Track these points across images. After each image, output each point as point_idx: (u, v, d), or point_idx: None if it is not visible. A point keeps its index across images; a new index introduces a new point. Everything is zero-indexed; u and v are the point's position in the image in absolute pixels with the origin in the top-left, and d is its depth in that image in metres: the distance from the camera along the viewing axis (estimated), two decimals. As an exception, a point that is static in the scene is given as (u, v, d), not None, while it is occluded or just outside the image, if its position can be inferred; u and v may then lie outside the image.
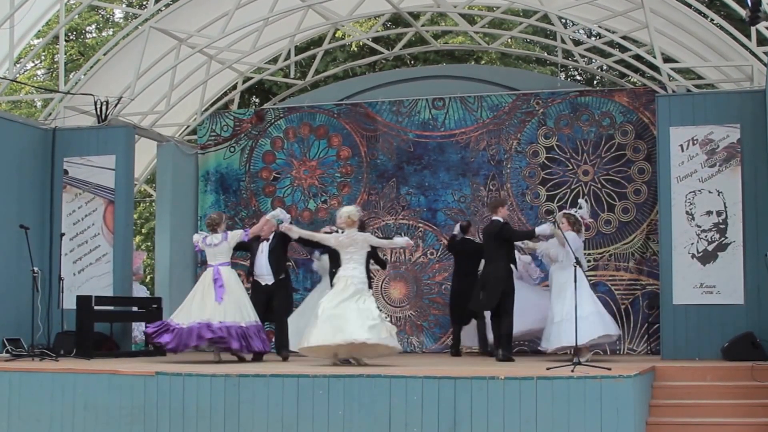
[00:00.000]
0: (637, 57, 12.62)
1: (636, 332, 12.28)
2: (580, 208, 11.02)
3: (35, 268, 10.93)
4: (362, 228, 10.34)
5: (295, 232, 10.35)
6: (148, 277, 17.85)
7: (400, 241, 10.23)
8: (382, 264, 11.66)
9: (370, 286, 9.85)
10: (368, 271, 10.13)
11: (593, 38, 16.15)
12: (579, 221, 10.81)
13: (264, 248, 10.97)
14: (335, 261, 10.22)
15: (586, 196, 12.44)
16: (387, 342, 9.26)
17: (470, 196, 13.23)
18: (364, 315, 9.25)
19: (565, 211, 11.16)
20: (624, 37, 12.31)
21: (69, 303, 11.38)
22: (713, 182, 10.64)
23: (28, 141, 12.14)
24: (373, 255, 10.68)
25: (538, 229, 10.80)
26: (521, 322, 10.90)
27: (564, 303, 10.25)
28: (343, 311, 9.29)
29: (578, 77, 22.24)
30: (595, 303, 10.56)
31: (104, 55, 13.18)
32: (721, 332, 10.24)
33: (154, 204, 15.99)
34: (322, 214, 13.52)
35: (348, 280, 9.50)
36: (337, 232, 10.21)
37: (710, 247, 10.58)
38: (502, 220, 10.71)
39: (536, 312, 11.05)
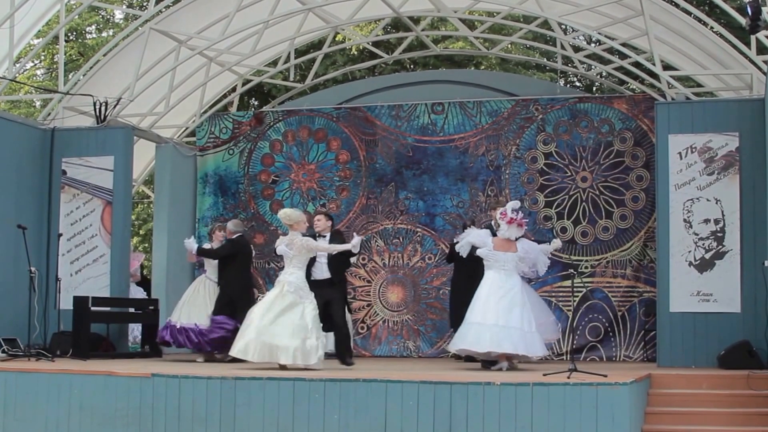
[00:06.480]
0: (637, 64, 12.61)
1: (632, 339, 12.27)
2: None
3: (32, 268, 10.95)
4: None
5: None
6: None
7: (343, 246, 9.96)
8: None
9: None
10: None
11: (593, 45, 16.14)
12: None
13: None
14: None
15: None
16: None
17: (468, 201, 13.23)
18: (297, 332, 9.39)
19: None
20: (624, 44, 12.32)
21: (66, 303, 11.42)
22: (711, 190, 10.64)
23: (26, 141, 12.13)
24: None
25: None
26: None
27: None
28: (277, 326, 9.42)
29: (577, 83, 22.24)
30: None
31: (104, 55, 13.17)
32: (718, 340, 10.23)
33: (152, 205, 15.97)
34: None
35: (285, 286, 9.58)
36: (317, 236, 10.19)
37: (708, 255, 10.58)
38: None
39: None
